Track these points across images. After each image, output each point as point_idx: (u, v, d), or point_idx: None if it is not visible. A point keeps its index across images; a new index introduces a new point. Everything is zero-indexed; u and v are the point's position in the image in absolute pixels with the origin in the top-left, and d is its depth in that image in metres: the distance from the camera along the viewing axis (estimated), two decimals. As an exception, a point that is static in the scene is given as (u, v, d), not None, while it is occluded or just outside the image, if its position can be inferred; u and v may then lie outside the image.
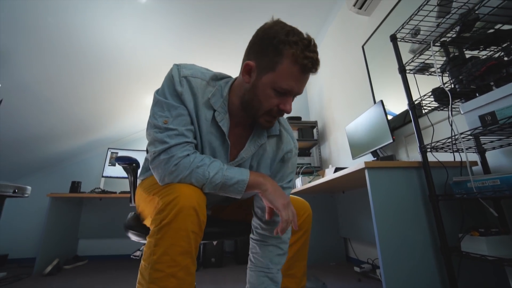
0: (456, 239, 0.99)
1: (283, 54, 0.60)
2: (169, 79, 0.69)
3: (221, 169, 0.65)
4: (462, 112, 0.94)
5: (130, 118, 2.86)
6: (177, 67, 0.70)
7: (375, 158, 1.73)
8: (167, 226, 0.57)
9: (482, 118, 0.87)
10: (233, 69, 2.82)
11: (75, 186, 2.50)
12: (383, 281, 0.93)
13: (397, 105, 1.77)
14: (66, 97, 2.12)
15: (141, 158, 2.39)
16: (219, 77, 0.73)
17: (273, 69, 0.61)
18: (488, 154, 1.14)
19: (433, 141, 1.07)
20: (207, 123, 0.70)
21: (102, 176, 2.75)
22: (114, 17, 1.75)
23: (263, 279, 0.76)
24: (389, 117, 1.81)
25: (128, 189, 2.74)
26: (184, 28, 2.09)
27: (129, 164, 1.07)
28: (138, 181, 0.91)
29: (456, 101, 1.17)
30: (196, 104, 0.68)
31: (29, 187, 1.38)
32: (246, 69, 0.65)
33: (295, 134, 2.90)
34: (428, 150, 1.07)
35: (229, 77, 0.75)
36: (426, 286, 0.95)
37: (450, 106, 0.99)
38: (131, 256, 1.29)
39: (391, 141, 1.54)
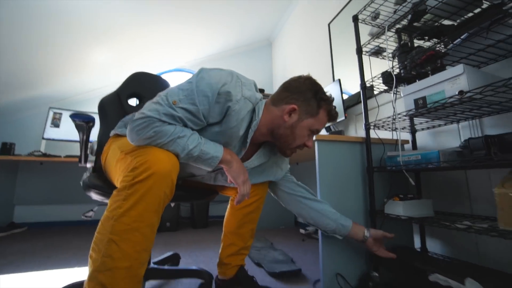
0: (382, 204, 1.17)
1: (321, 107, 0.81)
2: (221, 87, 0.70)
3: (199, 143, 0.70)
4: (402, 95, 1.06)
5: (74, 76, 2.53)
6: (240, 82, 0.74)
7: (328, 133, 1.87)
8: (139, 184, 0.58)
9: (416, 101, 0.99)
10: (199, 31, 2.65)
11: (7, 148, 2.21)
12: (320, 239, 1.07)
13: (354, 86, 1.90)
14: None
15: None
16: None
17: (313, 116, 0.81)
18: (418, 134, 1.33)
19: (376, 120, 1.19)
20: (238, 136, 0.77)
21: (43, 138, 2.46)
22: None
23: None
24: (345, 96, 1.94)
25: (75, 153, 2.55)
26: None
27: (87, 122, 1.00)
28: (112, 133, 0.89)
29: (400, 85, 1.30)
30: (242, 122, 0.75)
31: None
32: (289, 110, 0.78)
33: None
34: (372, 127, 1.20)
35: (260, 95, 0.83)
36: (355, 242, 1.11)
37: (393, 89, 1.10)
38: (82, 216, 1.25)
39: (344, 118, 1.67)
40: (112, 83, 2.93)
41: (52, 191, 2.54)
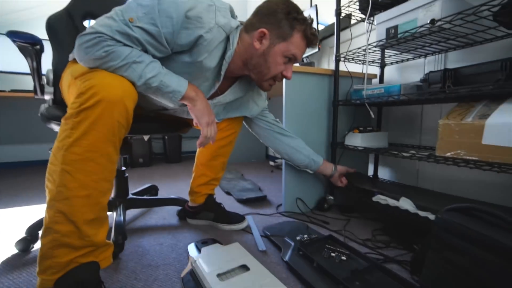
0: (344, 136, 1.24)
1: (295, 28, 0.71)
2: (190, 10, 0.60)
3: (159, 73, 0.63)
4: (375, 24, 1.00)
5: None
6: (213, 6, 0.63)
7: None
8: (88, 111, 0.53)
9: (388, 30, 0.95)
10: None
11: None
12: (283, 169, 1.15)
13: (331, 15, 1.74)
14: None
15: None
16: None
17: (286, 40, 0.71)
18: (386, 69, 1.32)
19: (347, 51, 1.14)
20: (211, 68, 0.71)
21: (-24, 69, 2.11)
22: None
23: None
24: (321, 27, 1.81)
25: (22, 87, 2.26)
26: None
27: (32, 44, 0.84)
28: (70, 57, 0.79)
29: (377, 12, 1.22)
30: (214, 53, 0.68)
31: None
32: (259, 36, 0.70)
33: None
34: (342, 59, 1.16)
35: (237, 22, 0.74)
36: (322, 176, 1.20)
37: (367, 14, 1.03)
38: (49, 151, 1.20)
39: (317, 50, 1.59)
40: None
41: (4, 131, 2.34)
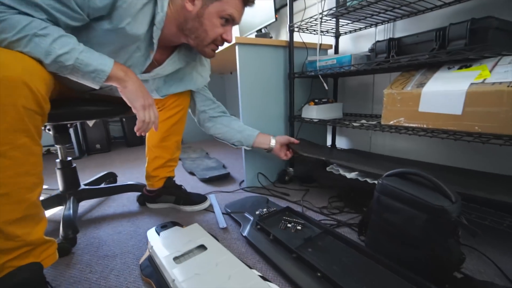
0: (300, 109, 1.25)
1: None
2: None
3: (74, 49, 0.54)
4: (326, -9, 0.97)
5: None
6: None
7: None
8: None
9: (338, -1, 0.93)
10: None
11: None
12: (244, 144, 1.14)
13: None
14: None
15: None
16: None
17: None
18: (341, 39, 1.32)
19: (301, 21, 1.11)
20: (139, 36, 0.63)
21: None
22: None
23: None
24: (279, -7, 1.72)
25: None
26: None
27: None
28: None
29: (330, -21, 1.18)
30: (139, 18, 0.60)
31: None
32: None
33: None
34: (296, 29, 1.13)
35: None
36: (264, 151, 1.20)
37: (318, -18, 0.99)
38: None
39: (274, 20, 1.53)
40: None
41: None
